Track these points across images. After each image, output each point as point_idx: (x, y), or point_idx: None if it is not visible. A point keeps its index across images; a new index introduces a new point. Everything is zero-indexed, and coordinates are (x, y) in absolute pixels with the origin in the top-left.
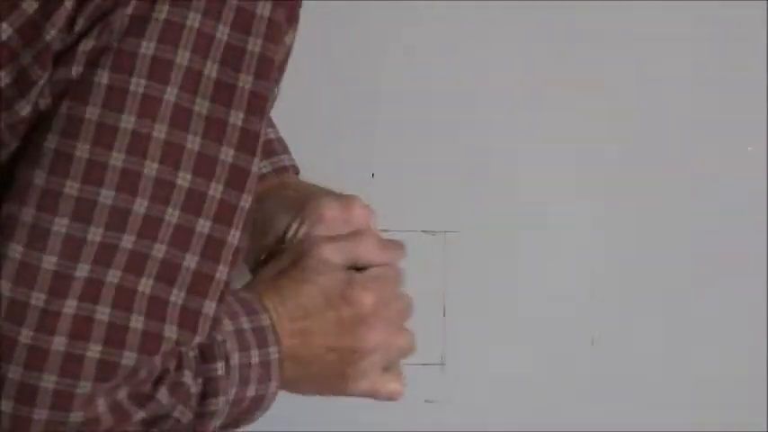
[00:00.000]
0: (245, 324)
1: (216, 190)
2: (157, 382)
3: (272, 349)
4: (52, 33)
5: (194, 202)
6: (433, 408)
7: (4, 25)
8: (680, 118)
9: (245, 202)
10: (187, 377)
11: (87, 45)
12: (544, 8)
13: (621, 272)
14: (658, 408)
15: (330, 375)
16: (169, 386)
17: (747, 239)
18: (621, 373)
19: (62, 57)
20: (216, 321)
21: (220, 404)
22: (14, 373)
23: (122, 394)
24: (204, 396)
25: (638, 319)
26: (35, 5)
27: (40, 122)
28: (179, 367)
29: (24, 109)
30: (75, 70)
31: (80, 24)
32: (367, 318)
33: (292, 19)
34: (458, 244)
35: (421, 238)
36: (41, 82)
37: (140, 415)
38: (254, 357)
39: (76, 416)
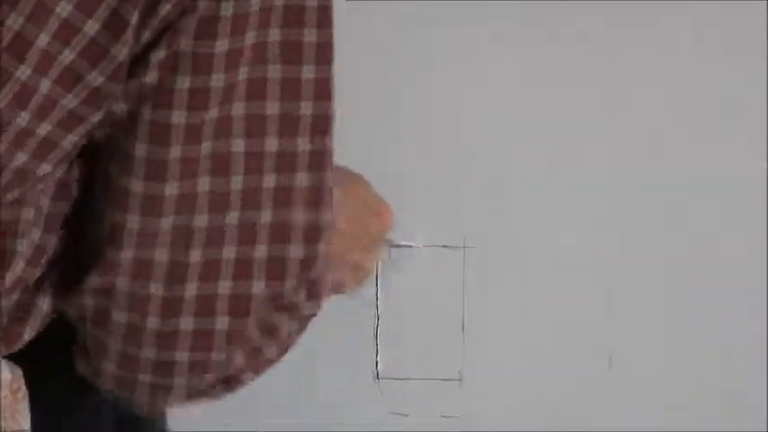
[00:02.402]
0: None
1: (304, 144)
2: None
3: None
4: (125, 52)
5: (286, 161)
6: (450, 423)
7: (66, 51)
8: (695, 126)
9: (330, 145)
10: (301, 294)
11: (159, 55)
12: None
13: (639, 291)
14: (676, 427)
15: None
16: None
17: None
18: (638, 391)
19: (133, 67)
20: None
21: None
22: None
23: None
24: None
25: (655, 338)
26: (97, 26)
27: (119, 129)
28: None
29: (96, 117)
30: (150, 77)
31: (146, 36)
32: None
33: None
34: (476, 260)
35: (440, 253)
36: (117, 92)
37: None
38: None
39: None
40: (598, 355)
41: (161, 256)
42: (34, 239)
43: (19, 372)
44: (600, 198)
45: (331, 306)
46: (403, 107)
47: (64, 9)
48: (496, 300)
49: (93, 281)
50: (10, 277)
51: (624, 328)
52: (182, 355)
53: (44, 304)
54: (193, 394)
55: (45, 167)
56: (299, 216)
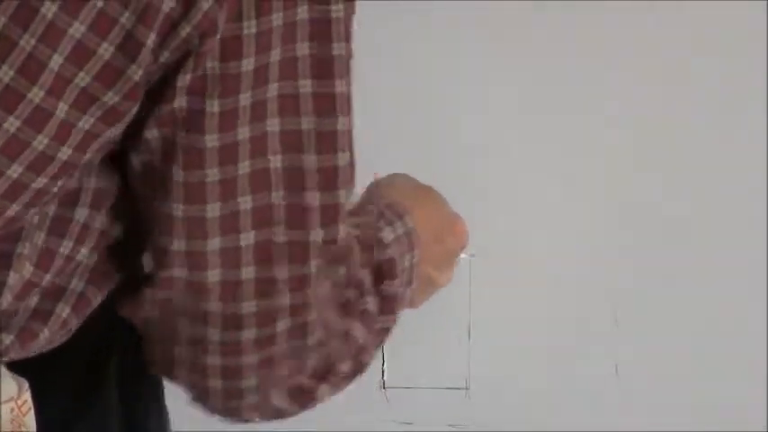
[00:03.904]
0: (400, 229)
1: (343, 159)
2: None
3: (416, 252)
4: (140, 73)
5: (327, 177)
6: None
7: (82, 74)
8: (700, 139)
9: (351, 124)
10: (370, 303)
11: (185, 80)
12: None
13: (645, 301)
14: None
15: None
16: (359, 318)
17: None
18: (643, 398)
19: (158, 92)
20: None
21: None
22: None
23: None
24: (382, 312)
25: (660, 347)
26: (111, 49)
27: (155, 155)
28: (361, 295)
29: (113, 133)
30: (179, 103)
31: (165, 56)
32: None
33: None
34: (483, 269)
35: None
36: (134, 110)
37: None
38: (407, 262)
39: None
40: (605, 363)
41: (213, 277)
42: (38, 243)
43: (25, 384)
44: (607, 210)
45: None
46: (410, 118)
47: (77, 30)
48: (503, 309)
49: (148, 294)
50: (16, 279)
51: (630, 336)
52: (249, 358)
53: (63, 312)
54: (268, 409)
55: (41, 181)
56: (319, 235)
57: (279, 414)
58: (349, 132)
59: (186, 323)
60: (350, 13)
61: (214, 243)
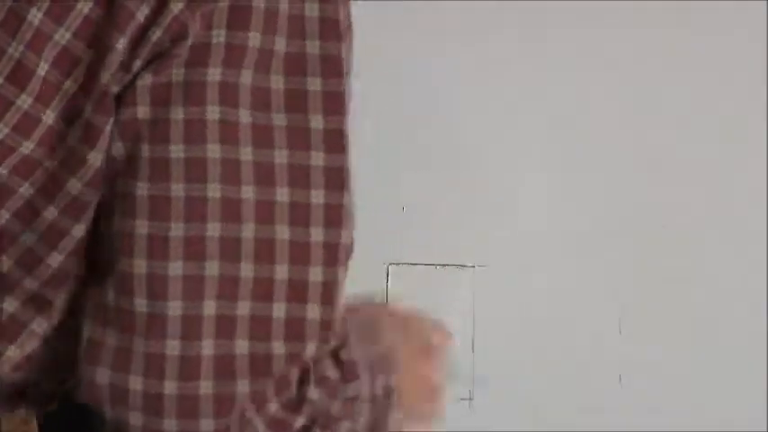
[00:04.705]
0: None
1: (317, 197)
2: (302, 382)
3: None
4: (107, 77)
5: (298, 213)
6: None
7: (68, 82)
8: (704, 151)
9: (347, 200)
10: (330, 369)
11: (146, 80)
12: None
13: (648, 312)
14: None
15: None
16: (316, 381)
17: None
18: (646, 407)
19: (122, 96)
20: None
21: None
22: (170, 389)
23: (274, 408)
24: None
25: (663, 357)
26: (90, 53)
27: (118, 169)
28: (317, 361)
29: (97, 159)
30: (143, 111)
31: (137, 65)
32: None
33: (346, 16)
34: (487, 278)
35: (450, 272)
36: (108, 128)
37: (299, 421)
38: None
39: None
40: (609, 372)
41: (174, 307)
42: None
43: (34, 420)
44: (611, 218)
45: None
46: (416, 131)
47: (62, 36)
48: (506, 319)
49: (111, 336)
50: None
51: (634, 346)
52: (206, 424)
53: (39, 328)
54: None
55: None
56: (317, 276)
57: None
58: (324, 168)
59: (139, 378)
60: (339, 49)
61: (176, 266)
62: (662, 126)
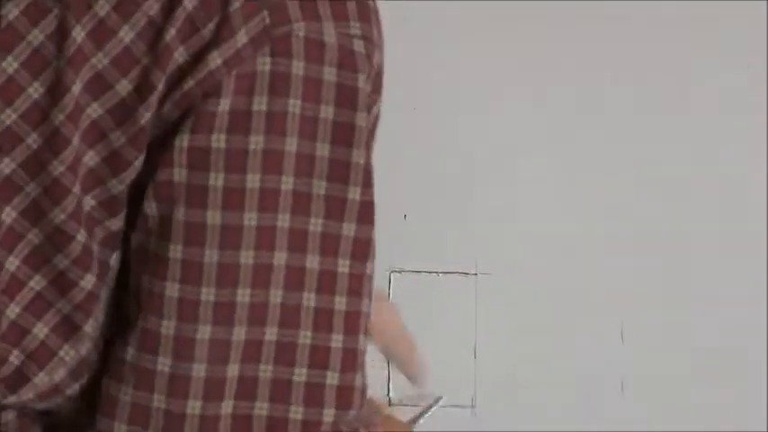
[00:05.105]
0: None
1: (344, 266)
2: None
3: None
4: (147, 117)
5: (325, 281)
6: None
7: (95, 105)
8: (707, 159)
9: (371, 270)
10: None
11: (183, 141)
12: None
13: (650, 319)
14: None
15: None
16: None
17: None
18: (648, 414)
19: (158, 151)
20: (364, 390)
21: None
22: None
23: None
24: None
25: (668, 364)
26: (129, 87)
27: (150, 228)
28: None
29: (117, 188)
30: (179, 173)
31: (167, 108)
32: None
33: (379, 89)
34: (489, 286)
35: (453, 279)
36: (137, 163)
37: None
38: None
39: None
40: (610, 380)
41: (198, 369)
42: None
43: None
44: (612, 227)
45: None
46: (418, 138)
47: (100, 61)
48: (509, 327)
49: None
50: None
51: (636, 354)
52: None
53: (67, 356)
54: None
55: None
56: (338, 343)
57: None
58: (354, 238)
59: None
60: (374, 121)
61: (205, 330)
62: (662, 131)
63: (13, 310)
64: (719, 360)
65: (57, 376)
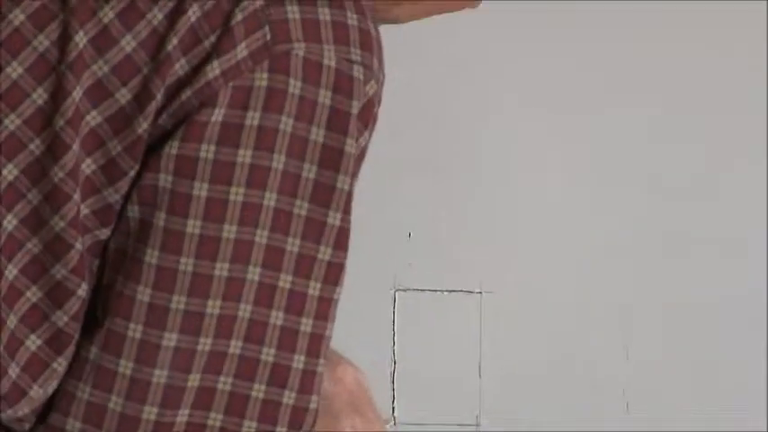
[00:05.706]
0: None
1: (314, 288)
2: None
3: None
4: (144, 126)
5: (295, 301)
6: None
7: (95, 112)
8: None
9: (338, 295)
10: None
11: (173, 148)
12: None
13: (654, 338)
14: None
15: None
16: None
17: None
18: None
19: (148, 155)
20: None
21: None
22: None
23: None
24: None
25: (673, 382)
26: (129, 96)
27: (130, 230)
28: None
29: (113, 197)
30: (164, 179)
31: (164, 118)
32: None
33: (366, 121)
34: (493, 304)
35: (457, 298)
36: (132, 173)
37: None
38: None
39: None
40: (615, 399)
41: (159, 375)
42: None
43: None
44: (617, 245)
45: (346, 352)
46: (423, 157)
47: (101, 68)
48: (513, 346)
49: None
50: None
51: (641, 372)
52: None
53: (60, 368)
54: None
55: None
56: (299, 364)
57: None
58: (328, 263)
59: None
60: (361, 152)
61: (171, 338)
62: (663, 137)
63: (12, 321)
64: (725, 377)
65: (50, 389)
